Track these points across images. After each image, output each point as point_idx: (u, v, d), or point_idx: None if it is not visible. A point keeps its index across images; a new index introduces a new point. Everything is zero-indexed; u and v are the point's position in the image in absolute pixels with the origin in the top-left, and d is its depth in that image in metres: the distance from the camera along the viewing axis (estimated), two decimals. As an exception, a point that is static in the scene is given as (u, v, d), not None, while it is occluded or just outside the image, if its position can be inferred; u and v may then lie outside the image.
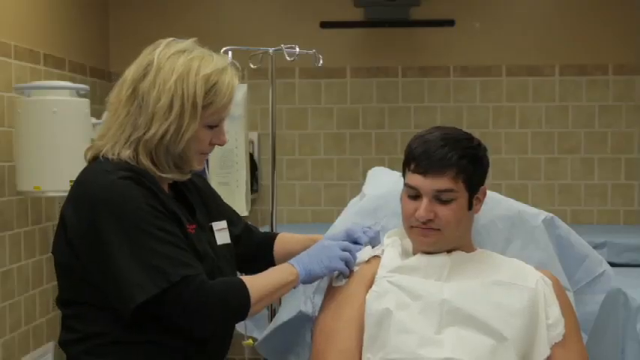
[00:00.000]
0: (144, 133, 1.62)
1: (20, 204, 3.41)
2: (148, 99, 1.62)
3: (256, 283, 1.67)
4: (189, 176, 1.75)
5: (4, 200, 3.30)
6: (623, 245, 3.81)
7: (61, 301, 1.68)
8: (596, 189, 4.65)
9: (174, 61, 1.63)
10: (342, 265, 1.79)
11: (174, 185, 1.77)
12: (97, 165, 1.63)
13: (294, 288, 1.77)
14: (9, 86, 3.33)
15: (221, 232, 1.81)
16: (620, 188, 4.64)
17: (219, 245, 1.79)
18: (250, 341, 2.93)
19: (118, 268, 1.52)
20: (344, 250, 1.81)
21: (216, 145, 1.75)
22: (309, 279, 1.76)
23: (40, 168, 3.07)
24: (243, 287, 1.63)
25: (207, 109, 1.65)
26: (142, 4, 4.70)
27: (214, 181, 2.67)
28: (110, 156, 1.63)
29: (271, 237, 2.01)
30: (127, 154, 1.62)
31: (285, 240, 1.99)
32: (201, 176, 1.92)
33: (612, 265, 2.16)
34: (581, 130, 4.65)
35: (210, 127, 1.68)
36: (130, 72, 1.67)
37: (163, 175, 1.66)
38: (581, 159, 4.65)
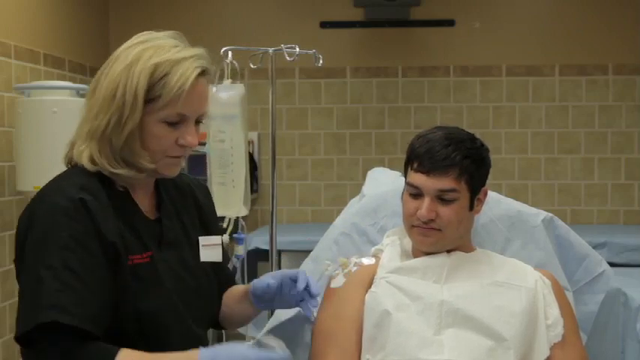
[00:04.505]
0: (92, 125, 1.53)
1: (20, 204, 3.41)
2: (99, 89, 1.53)
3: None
4: (144, 175, 1.55)
5: (4, 200, 3.30)
6: (623, 245, 3.82)
7: None
8: (596, 189, 4.66)
9: (131, 50, 1.54)
10: None
11: (166, 197, 1.65)
12: (61, 178, 1.55)
13: None
14: (9, 86, 3.33)
15: (208, 249, 1.69)
16: (620, 188, 4.65)
17: (202, 262, 1.66)
18: (251, 343, 2.93)
19: (20, 291, 1.49)
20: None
21: (188, 148, 1.56)
22: None
23: (40, 168, 3.07)
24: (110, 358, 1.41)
25: (156, 102, 1.50)
26: (142, 4, 4.71)
27: (214, 181, 2.66)
28: (75, 159, 1.55)
29: (227, 286, 1.82)
30: (86, 155, 1.53)
31: (228, 292, 1.81)
32: (207, 188, 1.82)
33: (612, 265, 2.16)
34: (581, 130, 4.65)
35: (170, 123, 1.52)
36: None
37: (116, 171, 1.52)
38: (581, 159, 4.65)
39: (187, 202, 1.71)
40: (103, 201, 1.50)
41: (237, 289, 1.80)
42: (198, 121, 1.57)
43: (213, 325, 1.81)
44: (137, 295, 1.51)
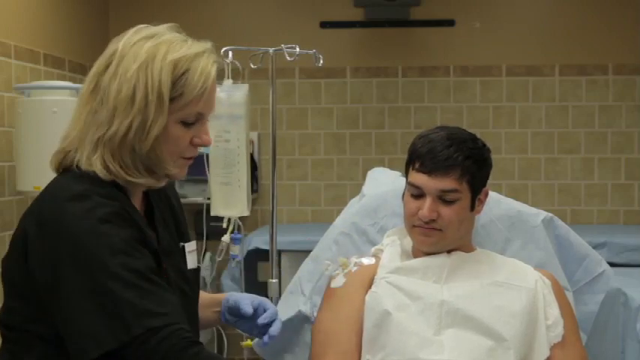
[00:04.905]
0: (106, 131, 1.40)
1: (20, 204, 3.41)
2: (109, 91, 1.40)
3: None
4: (163, 183, 1.50)
5: (4, 200, 3.30)
6: (623, 245, 3.81)
7: (5, 324, 1.45)
8: (596, 189, 4.65)
9: (140, 47, 1.41)
10: None
11: (154, 203, 1.57)
12: (72, 185, 1.42)
13: None
14: (9, 86, 3.33)
15: (191, 254, 1.62)
16: (620, 188, 4.64)
17: (189, 270, 1.60)
18: (249, 342, 2.93)
19: (73, 313, 1.31)
20: None
21: (200, 147, 1.50)
22: None
23: (40, 168, 3.03)
24: None
25: (177, 102, 1.41)
26: (141, 4, 4.70)
27: (215, 181, 2.66)
28: (83, 167, 1.42)
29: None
30: (98, 164, 1.41)
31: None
32: (174, 188, 1.70)
33: (612, 265, 2.16)
34: (581, 130, 4.65)
35: (186, 123, 1.44)
36: (95, 65, 1.46)
37: (134, 180, 1.43)
38: (581, 159, 4.65)
39: (165, 207, 1.62)
40: (133, 210, 1.44)
41: (204, 295, 1.75)
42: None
43: None
44: None
